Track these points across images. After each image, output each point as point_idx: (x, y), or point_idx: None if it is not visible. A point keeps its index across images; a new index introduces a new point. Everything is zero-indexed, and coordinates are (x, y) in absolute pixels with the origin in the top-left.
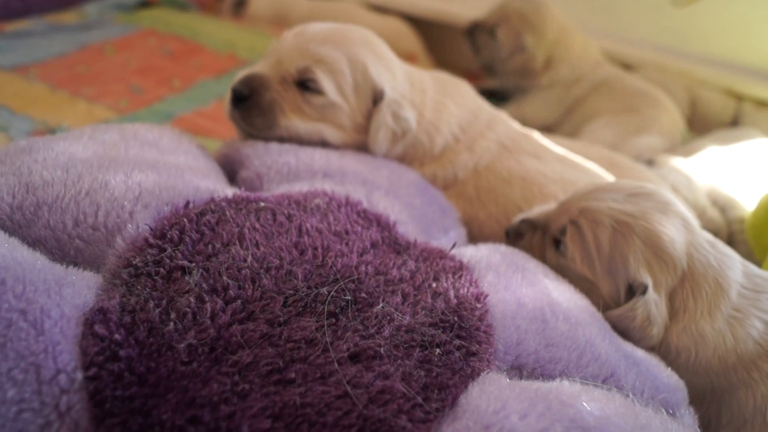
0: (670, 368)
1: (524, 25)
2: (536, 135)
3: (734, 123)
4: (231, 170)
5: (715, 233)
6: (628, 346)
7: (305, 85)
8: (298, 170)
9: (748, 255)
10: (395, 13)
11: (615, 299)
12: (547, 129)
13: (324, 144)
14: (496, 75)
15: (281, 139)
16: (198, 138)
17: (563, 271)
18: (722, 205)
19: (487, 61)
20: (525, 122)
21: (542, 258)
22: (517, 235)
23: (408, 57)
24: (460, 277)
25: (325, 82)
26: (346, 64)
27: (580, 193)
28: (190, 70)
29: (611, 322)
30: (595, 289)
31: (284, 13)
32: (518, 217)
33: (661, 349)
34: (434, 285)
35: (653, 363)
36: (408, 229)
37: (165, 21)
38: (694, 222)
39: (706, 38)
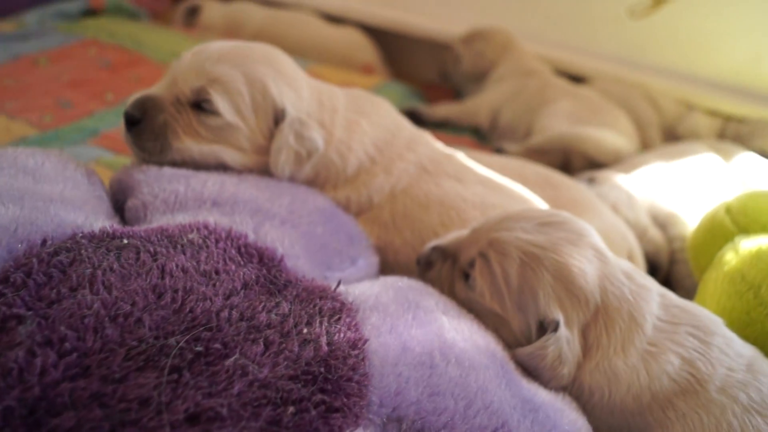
0: (577, 412)
1: (476, 35)
2: (460, 155)
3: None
4: (123, 198)
5: (656, 253)
6: (531, 389)
7: (200, 106)
8: (186, 199)
9: (690, 274)
10: (352, 24)
11: (527, 336)
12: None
13: (224, 167)
14: (461, 90)
15: (177, 164)
16: (121, 157)
17: (473, 306)
18: (663, 222)
19: (456, 80)
20: (479, 110)
21: (451, 290)
22: (428, 264)
23: (365, 68)
24: (338, 320)
25: (221, 103)
26: (243, 83)
27: (491, 222)
28: (127, 83)
29: (521, 360)
30: (506, 325)
31: (238, 23)
32: (430, 244)
33: (574, 388)
34: (305, 331)
35: (556, 408)
36: (299, 263)
37: (109, 30)
38: (608, 253)
39: (663, 50)
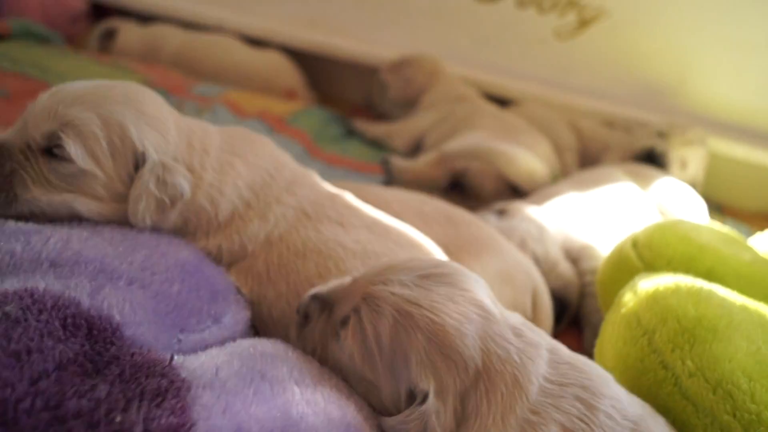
0: None
1: (404, 63)
2: (348, 196)
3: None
4: None
5: (565, 289)
6: None
7: (52, 152)
8: (22, 260)
9: (598, 309)
10: (275, 47)
11: (396, 404)
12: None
13: (79, 218)
14: (389, 116)
15: (26, 216)
16: None
17: (343, 368)
18: (577, 255)
19: (383, 108)
20: (399, 134)
21: (325, 351)
22: (306, 317)
23: (288, 93)
24: (161, 402)
25: (73, 148)
26: (99, 126)
27: (370, 273)
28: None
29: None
30: (377, 391)
31: (156, 47)
32: (310, 292)
33: None
34: (118, 419)
35: None
36: (140, 330)
37: (12, 57)
38: (495, 308)
39: (589, 71)
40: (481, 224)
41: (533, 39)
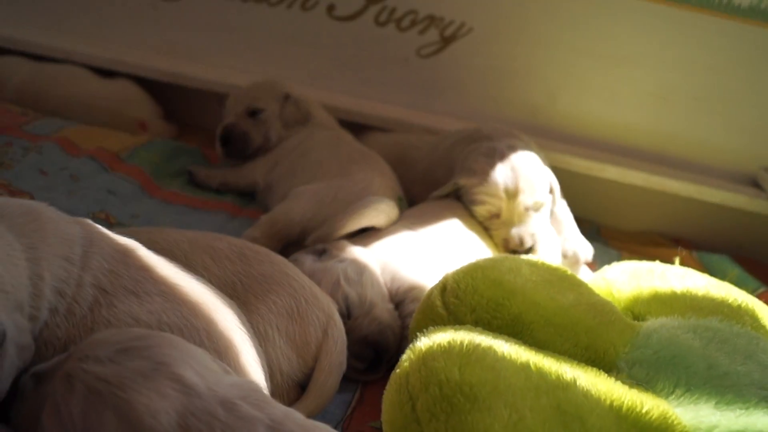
0: None
1: (283, 84)
2: (141, 251)
3: None
4: None
5: (380, 333)
6: None
7: None
8: None
9: None
10: (126, 77)
11: None
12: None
13: None
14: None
15: None
16: None
17: None
18: (402, 297)
19: (259, 142)
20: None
21: (34, 429)
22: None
23: (139, 124)
24: None
25: None
26: None
27: (77, 347)
28: None
29: None
30: None
31: (1, 80)
32: (33, 369)
33: None
34: None
35: None
36: None
37: None
38: (199, 381)
39: (456, 91)
40: (276, 261)
41: (395, 60)
